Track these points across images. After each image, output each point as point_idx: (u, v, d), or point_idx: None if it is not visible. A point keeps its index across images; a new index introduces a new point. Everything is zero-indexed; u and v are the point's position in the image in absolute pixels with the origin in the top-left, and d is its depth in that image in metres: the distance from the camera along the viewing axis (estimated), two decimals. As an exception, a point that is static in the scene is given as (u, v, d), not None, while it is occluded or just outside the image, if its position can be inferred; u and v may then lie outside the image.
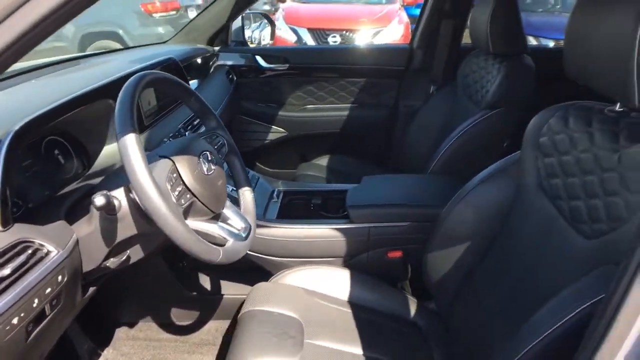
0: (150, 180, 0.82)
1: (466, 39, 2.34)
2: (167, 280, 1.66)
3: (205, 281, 1.76)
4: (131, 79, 0.92)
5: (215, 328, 1.76)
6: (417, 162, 2.10)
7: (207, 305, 1.75)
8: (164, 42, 2.30)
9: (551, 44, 5.22)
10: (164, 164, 0.92)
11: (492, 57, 1.85)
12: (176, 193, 0.92)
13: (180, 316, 1.75)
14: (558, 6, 6.57)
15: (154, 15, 6.62)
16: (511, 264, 1.12)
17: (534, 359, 0.82)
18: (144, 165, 0.82)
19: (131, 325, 1.77)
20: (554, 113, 1.06)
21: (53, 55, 1.84)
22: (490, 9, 1.69)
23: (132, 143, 0.82)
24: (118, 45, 6.09)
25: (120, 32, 6.47)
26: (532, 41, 5.22)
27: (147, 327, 1.77)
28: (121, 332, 1.76)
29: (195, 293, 1.73)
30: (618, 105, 0.93)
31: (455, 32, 2.27)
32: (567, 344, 0.74)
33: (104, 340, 1.73)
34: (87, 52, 1.85)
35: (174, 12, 6.83)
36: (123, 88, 0.90)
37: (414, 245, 1.51)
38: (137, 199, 0.89)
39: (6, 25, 0.59)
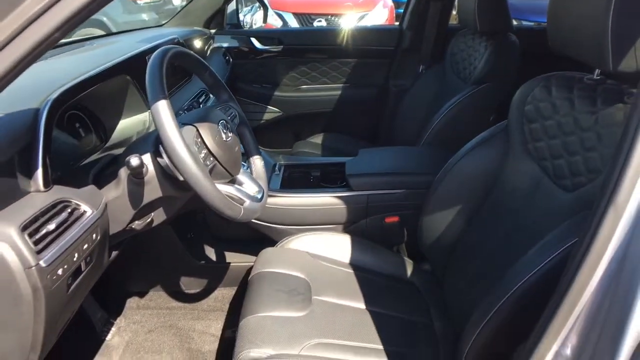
0: (183, 142, 0.91)
1: (453, 21, 2.44)
2: (177, 250, 1.74)
3: (212, 251, 1.85)
4: (156, 52, 1.00)
5: (223, 295, 1.86)
6: (407, 138, 2.20)
7: (215, 273, 1.84)
8: (161, 25, 2.35)
9: (532, 26, 5.33)
10: (189, 130, 1.01)
11: (479, 35, 1.95)
12: (202, 155, 1.00)
13: (189, 284, 1.84)
14: (539, -10, 6.68)
15: (138, 2, 6.57)
16: (499, 224, 1.22)
17: (522, 297, 0.93)
18: (176, 128, 0.90)
19: (142, 294, 1.86)
20: (538, 83, 1.17)
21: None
22: None
23: (164, 108, 0.90)
24: (102, 33, 6.01)
25: (105, 19, 6.38)
26: (513, 23, 5.33)
27: (158, 296, 1.85)
28: (132, 302, 1.84)
29: (203, 262, 1.81)
30: (596, 73, 1.03)
31: (443, 13, 2.36)
32: (551, 281, 0.85)
33: (116, 309, 1.81)
34: (83, 37, 1.88)
35: (158, -2, 6.78)
36: (150, 60, 0.97)
37: (410, 210, 1.62)
38: (167, 160, 0.97)
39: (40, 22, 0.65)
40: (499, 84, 1.83)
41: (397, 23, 2.64)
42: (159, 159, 1.01)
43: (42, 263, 0.84)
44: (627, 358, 0.66)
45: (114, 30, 6.26)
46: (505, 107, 1.26)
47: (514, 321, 0.94)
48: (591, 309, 0.70)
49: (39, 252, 0.85)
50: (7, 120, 0.93)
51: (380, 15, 5.98)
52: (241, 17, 2.70)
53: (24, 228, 0.84)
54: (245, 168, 1.34)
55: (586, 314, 0.70)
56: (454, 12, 2.39)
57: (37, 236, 0.86)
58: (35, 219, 0.87)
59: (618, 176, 0.63)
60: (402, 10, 2.61)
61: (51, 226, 0.89)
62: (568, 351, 0.73)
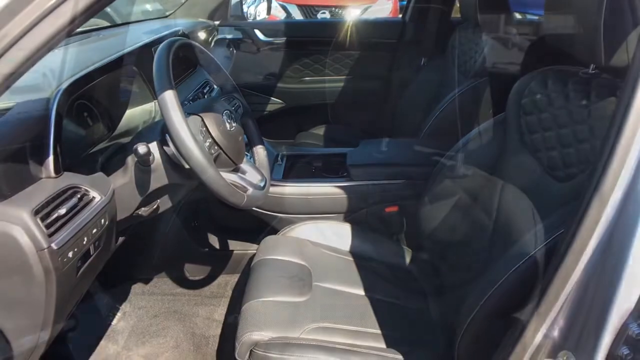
0: (189, 131, 0.94)
1: (456, 14, 2.45)
2: (181, 238, 1.78)
3: (215, 239, 1.89)
4: (163, 44, 1.03)
5: (226, 282, 1.90)
6: (409, 130, 2.23)
7: (218, 260, 1.88)
8: (166, 17, 2.37)
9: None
10: (194, 120, 1.04)
11: (479, 29, 1.97)
12: (207, 144, 1.04)
13: (193, 271, 1.88)
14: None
15: (142, -8, 6.55)
16: (495, 213, 1.25)
17: (513, 283, 0.96)
18: (183, 118, 0.93)
19: (147, 281, 1.90)
20: (535, 77, 1.19)
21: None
22: None
23: (171, 98, 0.94)
24: (106, 24, 5.99)
25: (109, 9, 6.37)
26: (517, 16, 5.33)
27: (162, 282, 1.89)
28: (137, 288, 1.89)
29: (206, 250, 1.86)
30: (591, 68, 1.06)
31: (445, 7, 2.38)
32: (542, 268, 0.88)
33: (122, 295, 1.85)
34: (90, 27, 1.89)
35: (162, -12, 6.75)
36: (157, 52, 1.00)
37: (409, 201, 1.65)
38: (173, 149, 1.01)
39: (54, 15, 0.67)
40: (498, 78, 1.86)
41: (400, 15, 2.66)
42: (165, 148, 1.05)
43: (53, 245, 0.87)
44: (612, 339, 0.69)
45: (118, 20, 6.24)
46: (504, 100, 1.28)
47: (505, 306, 0.97)
48: (577, 293, 0.73)
49: (50, 235, 0.88)
50: (20, 109, 0.96)
51: (385, 7, 5.96)
52: (245, 8, 2.72)
53: (36, 212, 0.87)
54: (248, 157, 1.38)
55: (573, 298, 0.74)
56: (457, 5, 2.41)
57: (49, 220, 0.89)
58: (46, 204, 0.91)
59: (604, 166, 0.67)
60: (405, 3, 2.62)
61: (62, 211, 0.92)
62: (556, 333, 0.76)
